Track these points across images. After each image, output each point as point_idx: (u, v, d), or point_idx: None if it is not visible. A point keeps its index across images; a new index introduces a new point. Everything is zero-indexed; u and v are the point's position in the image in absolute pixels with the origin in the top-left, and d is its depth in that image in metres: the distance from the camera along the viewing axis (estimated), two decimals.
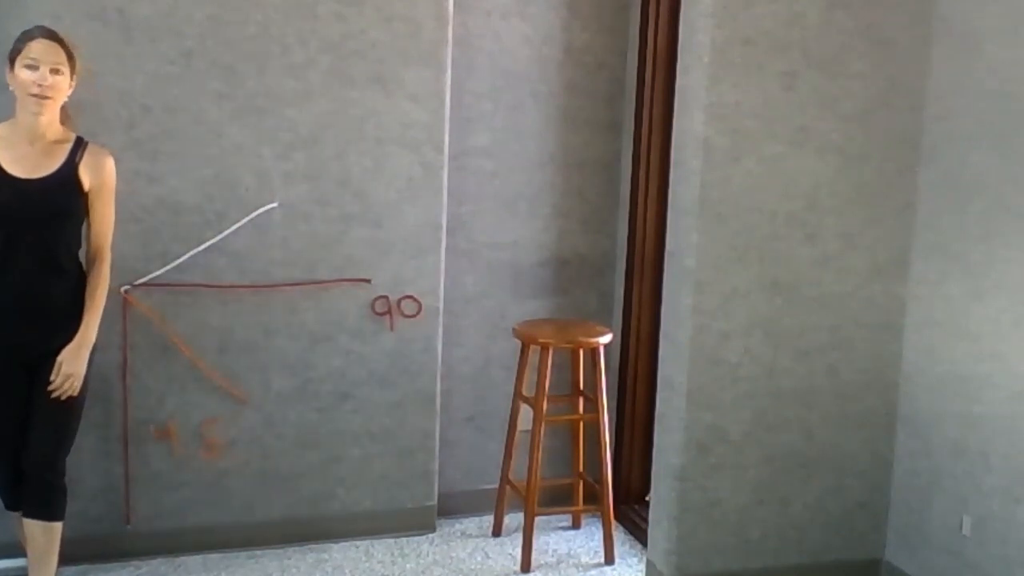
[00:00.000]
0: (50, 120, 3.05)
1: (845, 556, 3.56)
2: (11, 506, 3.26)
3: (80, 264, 3.16)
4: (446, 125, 3.84)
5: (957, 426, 3.24)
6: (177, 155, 3.55)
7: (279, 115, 3.64)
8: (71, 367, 3.06)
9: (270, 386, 3.76)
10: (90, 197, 3.11)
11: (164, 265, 3.56)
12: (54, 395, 3.04)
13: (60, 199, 3.06)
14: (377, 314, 3.85)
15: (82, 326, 3.10)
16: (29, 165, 3.02)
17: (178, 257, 3.57)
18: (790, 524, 3.50)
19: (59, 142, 3.08)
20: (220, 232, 3.62)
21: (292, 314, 3.75)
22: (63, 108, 3.12)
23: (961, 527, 3.22)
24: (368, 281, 3.82)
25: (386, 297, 3.84)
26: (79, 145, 3.11)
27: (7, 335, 3.05)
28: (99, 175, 3.12)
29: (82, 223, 3.15)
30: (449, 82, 3.83)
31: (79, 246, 3.16)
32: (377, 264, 3.82)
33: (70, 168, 3.06)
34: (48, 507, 3.13)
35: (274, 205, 3.67)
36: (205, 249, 3.61)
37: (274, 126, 3.64)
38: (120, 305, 3.49)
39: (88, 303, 3.13)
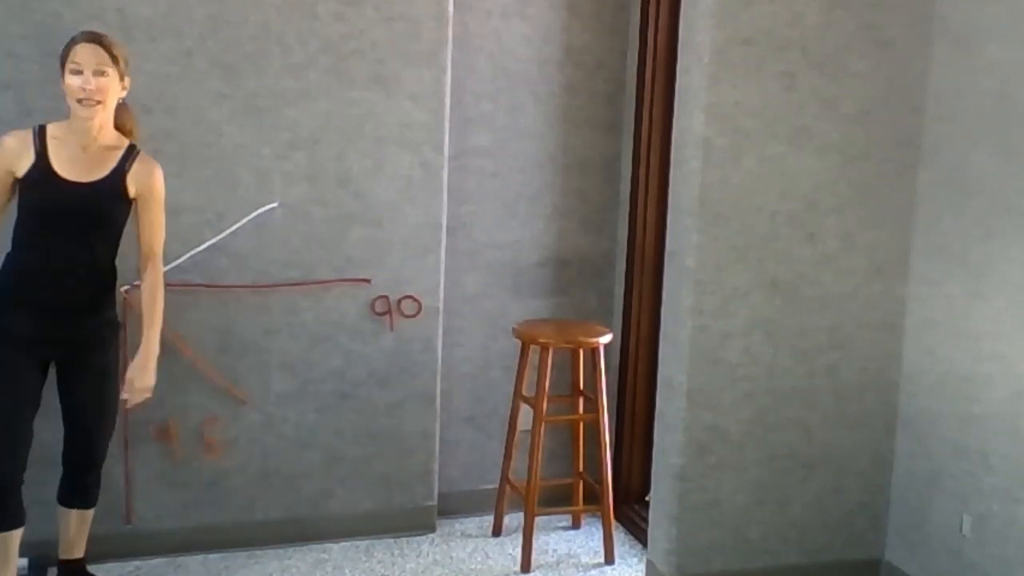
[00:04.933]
0: (101, 124, 3.06)
1: (845, 556, 3.56)
2: (9, 524, 3.11)
3: (113, 268, 3.19)
4: (446, 125, 3.84)
5: (957, 426, 3.24)
6: (177, 155, 3.55)
7: (279, 115, 3.64)
8: (142, 382, 3.19)
9: (270, 386, 3.76)
10: (138, 205, 3.15)
11: (164, 265, 3.54)
12: (128, 406, 3.22)
13: (105, 205, 3.09)
14: (377, 314, 3.85)
15: (144, 338, 3.20)
16: (80, 169, 3.04)
17: (178, 257, 3.57)
18: (790, 524, 3.50)
19: (112, 148, 3.10)
20: (220, 232, 3.62)
21: (292, 314, 3.75)
22: (124, 111, 3.15)
23: (961, 527, 3.22)
24: (368, 281, 3.82)
25: (386, 297, 3.84)
26: (130, 153, 3.13)
27: (35, 329, 3.07)
28: (147, 184, 3.14)
29: (122, 229, 3.18)
30: (449, 82, 3.83)
31: (115, 251, 3.18)
32: (377, 264, 3.82)
33: (118, 176, 3.09)
34: (87, 498, 3.29)
35: (274, 205, 3.68)
36: (205, 249, 3.61)
37: (274, 126, 3.65)
38: (120, 305, 3.48)
39: (147, 314, 3.21)
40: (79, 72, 2.98)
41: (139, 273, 3.24)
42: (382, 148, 3.77)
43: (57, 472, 3.28)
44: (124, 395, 3.19)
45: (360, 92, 3.72)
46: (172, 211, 3.55)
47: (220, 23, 3.54)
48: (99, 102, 3.00)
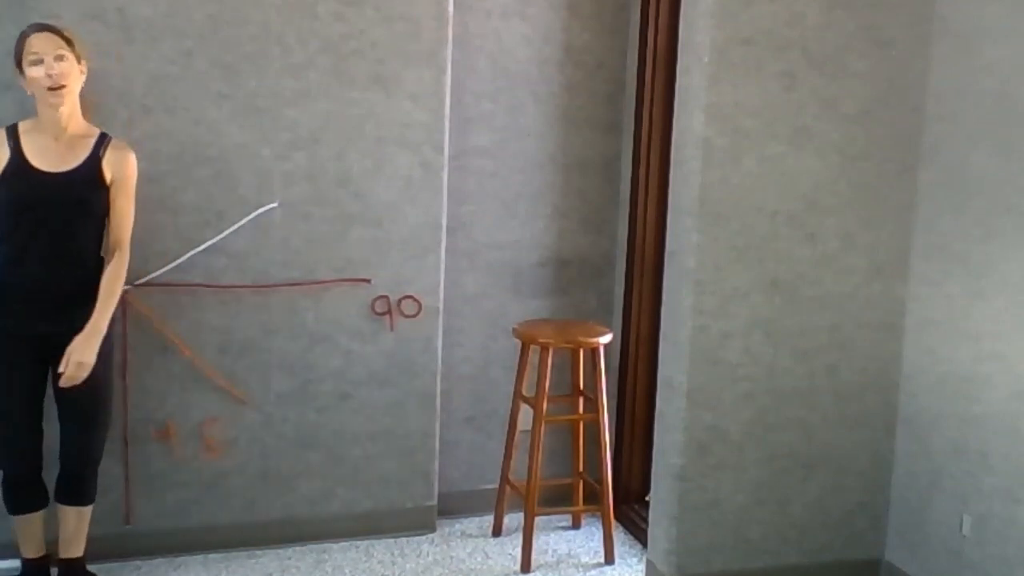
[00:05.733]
0: (71, 111, 3.10)
1: (845, 556, 3.56)
2: (14, 509, 3.27)
3: (101, 259, 3.20)
4: (446, 125, 3.84)
5: (957, 426, 3.24)
6: (177, 155, 3.55)
7: (279, 115, 3.64)
8: (80, 355, 3.08)
9: (270, 386, 3.76)
10: (111, 191, 3.17)
11: (164, 265, 3.55)
12: (62, 383, 3.08)
13: (82, 193, 3.11)
14: (377, 314, 3.85)
15: (93, 315, 3.12)
16: (53, 159, 3.08)
17: (178, 257, 3.57)
18: (790, 524, 3.50)
19: (83, 136, 3.14)
20: (220, 232, 3.62)
21: (292, 314, 3.75)
22: (82, 100, 3.16)
23: (961, 527, 3.22)
24: (368, 281, 3.82)
25: (386, 297, 3.84)
26: (103, 140, 3.16)
27: (23, 325, 3.10)
28: (121, 170, 3.17)
29: (104, 218, 3.19)
30: (449, 82, 3.83)
31: (100, 241, 3.20)
32: (377, 264, 3.82)
33: (93, 163, 3.12)
34: (83, 495, 3.29)
35: (274, 205, 3.68)
36: (205, 249, 3.61)
37: (274, 126, 3.65)
38: (120, 305, 3.48)
39: (102, 293, 3.15)
40: (39, 61, 3.02)
41: (106, 258, 3.20)
42: (382, 148, 3.77)
43: (56, 472, 3.28)
44: (60, 367, 3.07)
45: (360, 92, 3.72)
46: (172, 211, 3.56)
47: (220, 23, 3.54)
48: (64, 86, 3.04)
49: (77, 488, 3.27)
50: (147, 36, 3.47)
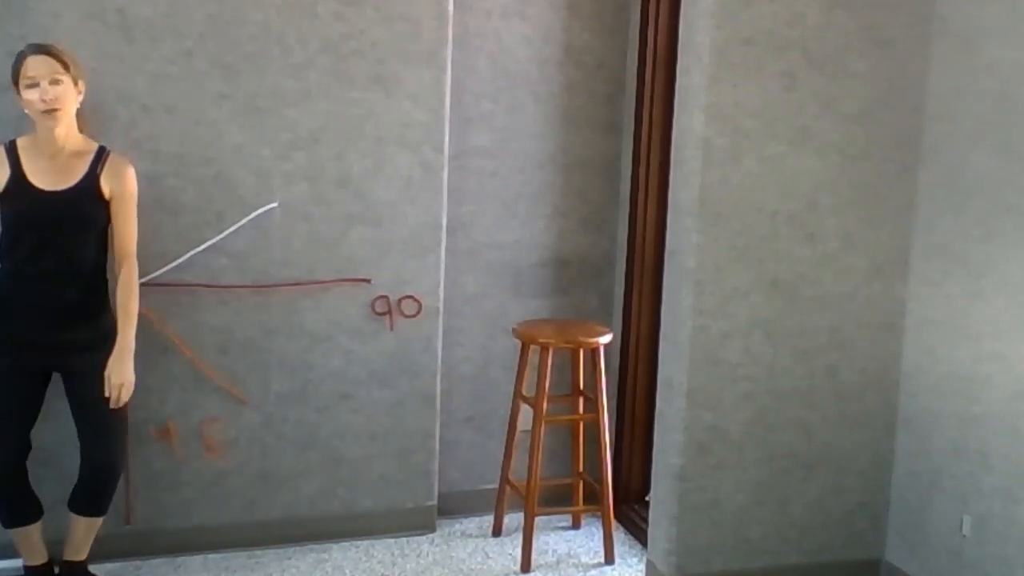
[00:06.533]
0: (66, 131, 3.10)
1: (845, 556, 3.56)
2: (7, 523, 3.24)
3: (102, 270, 3.21)
4: (446, 125, 3.84)
5: (957, 426, 3.24)
6: (177, 155, 3.55)
7: (279, 115, 3.64)
8: (118, 377, 3.16)
9: (270, 386, 3.76)
10: (112, 205, 3.17)
11: (164, 265, 3.55)
12: (111, 406, 3.16)
13: (82, 210, 3.12)
14: (377, 314, 3.85)
15: (119, 334, 3.18)
16: (52, 177, 3.09)
17: (178, 257, 3.57)
18: (790, 524, 3.50)
19: (80, 153, 3.14)
20: (220, 232, 3.62)
21: (292, 314, 3.75)
22: (79, 115, 3.16)
23: (961, 527, 3.22)
24: (368, 281, 3.82)
25: (386, 297, 3.85)
26: (100, 155, 3.16)
27: (24, 336, 3.10)
28: (120, 184, 3.17)
29: (105, 231, 3.20)
30: (449, 82, 3.83)
31: (103, 254, 3.20)
32: (377, 264, 3.82)
33: (91, 179, 3.12)
34: (99, 508, 3.28)
35: (274, 205, 3.68)
36: (205, 249, 3.61)
37: (274, 126, 3.65)
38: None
39: (121, 310, 3.20)
40: (35, 85, 3.02)
41: (115, 273, 3.23)
42: (382, 148, 3.77)
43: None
44: (106, 392, 3.15)
45: (360, 92, 3.72)
46: (172, 211, 3.56)
47: (220, 23, 3.54)
48: (59, 110, 3.04)
49: (95, 499, 3.26)
50: (147, 36, 3.47)
